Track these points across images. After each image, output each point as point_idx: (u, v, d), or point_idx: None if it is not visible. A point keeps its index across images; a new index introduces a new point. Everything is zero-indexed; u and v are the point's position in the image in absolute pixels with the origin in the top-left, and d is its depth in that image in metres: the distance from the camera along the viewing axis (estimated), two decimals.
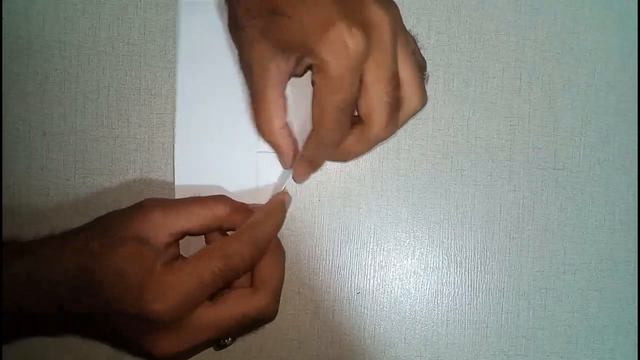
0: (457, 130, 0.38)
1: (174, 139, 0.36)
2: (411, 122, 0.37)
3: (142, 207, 0.32)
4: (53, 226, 0.36)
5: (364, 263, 0.37)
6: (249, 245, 0.31)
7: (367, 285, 0.37)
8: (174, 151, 0.36)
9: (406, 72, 0.30)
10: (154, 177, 0.37)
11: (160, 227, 0.31)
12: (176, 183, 0.36)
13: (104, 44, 0.37)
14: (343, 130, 0.31)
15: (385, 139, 0.32)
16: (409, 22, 0.37)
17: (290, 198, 0.35)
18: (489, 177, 0.38)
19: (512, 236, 0.38)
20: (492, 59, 0.38)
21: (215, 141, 0.36)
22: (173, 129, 0.36)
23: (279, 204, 0.33)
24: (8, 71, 0.36)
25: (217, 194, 0.34)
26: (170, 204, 0.32)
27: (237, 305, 0.31)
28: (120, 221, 0.31)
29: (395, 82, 0.30)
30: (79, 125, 0.37)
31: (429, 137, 0.38)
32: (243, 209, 0.33)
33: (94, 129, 0.37)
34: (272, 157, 0.35)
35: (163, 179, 0.37)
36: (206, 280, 0.29)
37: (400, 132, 0.37)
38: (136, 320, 0.29)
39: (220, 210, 0.32)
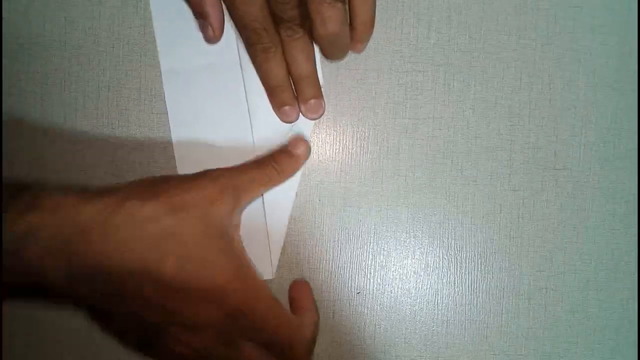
0: (457, 130, 0.38)
1: (171, 138, 0.36)
2: (411, 122, 0.37)
3: (216, 185, 0.30)
4: None
5: (364, 263, 0.37)
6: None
7: (367, 285, 0.37)
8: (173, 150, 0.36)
9: None
10: None
11: (233, 212, 0.31)
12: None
13: (104, 44, 0.37)
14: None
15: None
16: (409, 22, 0.37)
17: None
18: (489, 177, 0.38)
19: (512, 236, 0.38)
20: (492, 59, 0.38)
21: (211, 133, 0.37)
22: (169, 128, 0.37)
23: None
24: (8, 71, 0.36)
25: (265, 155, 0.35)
26: (236, 179, 0.31)
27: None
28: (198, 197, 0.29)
29: None
30: (79, 125, 0.37)
31: (429, 137, 0.38)
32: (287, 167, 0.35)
33: (94, 129, 0.37)
34: (269, 144, 0.36)
35: None
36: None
37: (401, 132, 0.37)
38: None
39: (274, 175, 0.33)
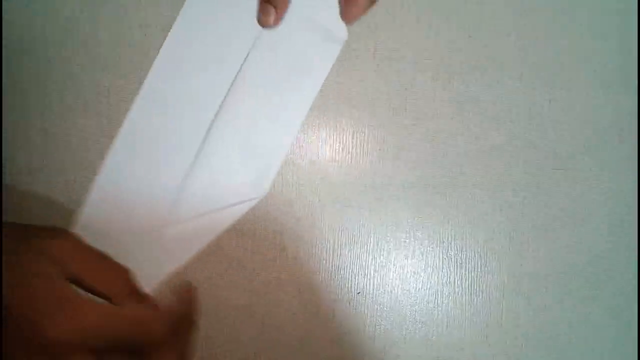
0: (457, 130, 0.38)
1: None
2: (411, 122, 0.37)
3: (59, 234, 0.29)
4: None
5: (364, 263, 0.37)
6: (165, 326, 0.28)
7: (367, 285, 0.37)
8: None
9: None
10: None
11: (69, 260, 0.28)
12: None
13: (104, 44, 0.37)
14: None
15: None
16: (409, 22, 0.37)
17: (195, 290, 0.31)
18: (489, 177, 0.38)
19: (512, 236, 0.38)
20: (492, 59, 0.38)
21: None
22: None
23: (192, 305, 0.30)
24: (8, 71, 0.36)
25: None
26: (84, 248, 0.30)
27: None
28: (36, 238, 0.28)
29: None
30: (79, 125, 0.37)
31: (429, 137, 0.38)
32: (140, 297, 0.30)
33: (94, 128, 0.37)
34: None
35: None
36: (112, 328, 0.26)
37: (401, 132, 0.37)
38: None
39: (123, 285, 0.30)
